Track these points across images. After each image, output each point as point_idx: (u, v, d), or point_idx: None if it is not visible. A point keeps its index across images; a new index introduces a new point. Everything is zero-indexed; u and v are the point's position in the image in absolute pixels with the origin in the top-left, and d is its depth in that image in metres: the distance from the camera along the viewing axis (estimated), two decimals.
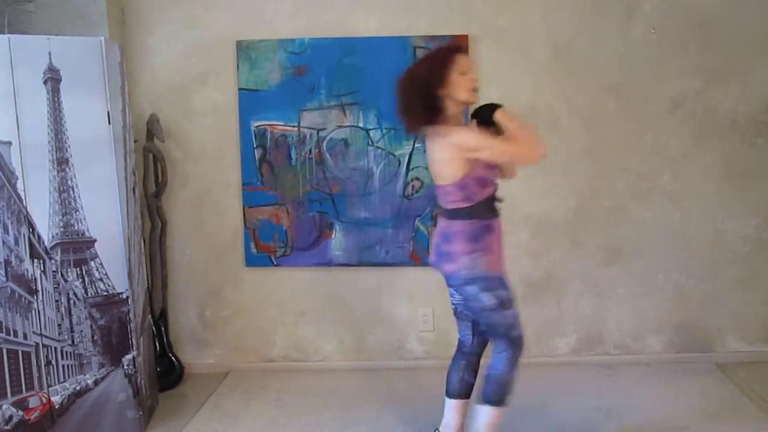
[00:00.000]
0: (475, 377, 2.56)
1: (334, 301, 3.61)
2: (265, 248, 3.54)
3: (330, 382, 3.45)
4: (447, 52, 2.33)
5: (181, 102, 3.49)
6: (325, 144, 3.46)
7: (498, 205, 2.39)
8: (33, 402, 2.63)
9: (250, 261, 3.56)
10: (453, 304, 2.55)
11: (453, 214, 2.35)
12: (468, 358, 2.56)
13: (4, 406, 2.57)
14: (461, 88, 2.27)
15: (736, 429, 2.81)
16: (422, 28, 3.37)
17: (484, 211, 2.34)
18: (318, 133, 3.45)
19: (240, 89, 3.43)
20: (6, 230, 2.55)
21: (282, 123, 3.45)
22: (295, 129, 3.45)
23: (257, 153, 3.47)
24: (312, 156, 3.47)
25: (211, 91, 3.48)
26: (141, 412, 2.90)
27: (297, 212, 3.51)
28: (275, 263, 3.56)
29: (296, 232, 3.52)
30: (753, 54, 3.34)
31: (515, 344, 2.36)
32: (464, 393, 2.56)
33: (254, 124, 3.45)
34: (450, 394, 2.56)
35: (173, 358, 3.50)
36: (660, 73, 3.36)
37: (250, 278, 3.60)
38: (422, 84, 2.28)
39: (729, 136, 3.41)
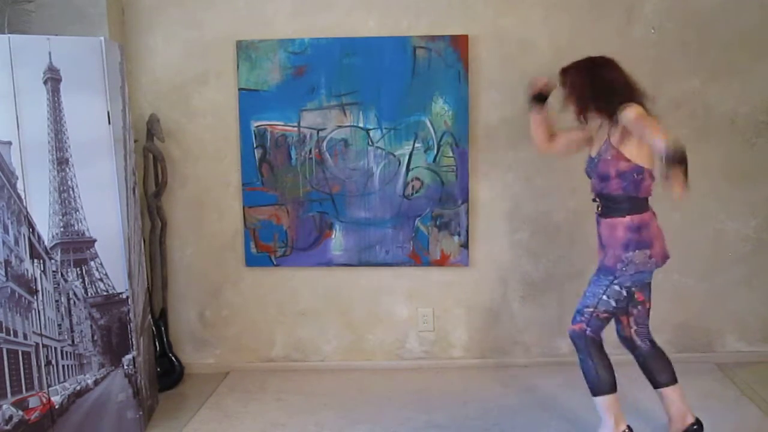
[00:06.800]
0: None
1: (334, 301, 3.61)
2: (265, 248, 3.54)
3: (330, 382, 3.45)
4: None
5: (181, 102, 3.49)
6: (325, 144, 3.46)
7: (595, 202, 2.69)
8: (33, 402, 2.63)
9: (250, 261, 3.56)
10: None
11: None
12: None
13: (4, 406, 2.57)
14: None
15: (736, 429, 2.82)
16: (422, 28, 3.37)
17: None
18: (318, 133, 3.45)
19: (240, 89, 3.43)
20: (6, 230, 2.55)
21: (282, 123, 3.44)
22: (295, 129, 3.45)
23: (257, 153, 3.47)
24: (312, 156, 3.47)
25: (211, 91, 3.48)
26: (141, 412, 2.90)
27: (297, 212, 3.51)
28: (275, 263, 3.56)
29: (296, 232, 3.52)
30: (753, 54, 3.34)
31: None
32: None
33: (254, 124, 3.45)
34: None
35: (173, 358, 3.50)
36: (660, 73, 3.36)
37: (249, 278, 3.60)
38: None
39: (729, 136, 3.41)
